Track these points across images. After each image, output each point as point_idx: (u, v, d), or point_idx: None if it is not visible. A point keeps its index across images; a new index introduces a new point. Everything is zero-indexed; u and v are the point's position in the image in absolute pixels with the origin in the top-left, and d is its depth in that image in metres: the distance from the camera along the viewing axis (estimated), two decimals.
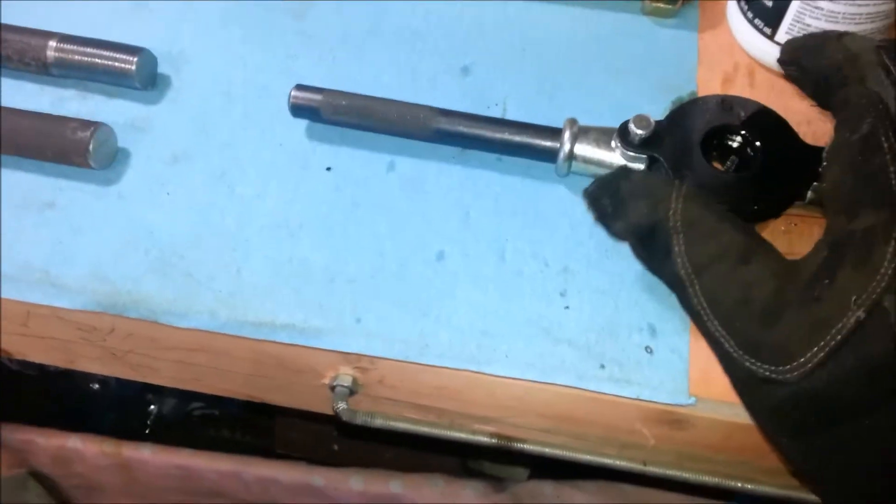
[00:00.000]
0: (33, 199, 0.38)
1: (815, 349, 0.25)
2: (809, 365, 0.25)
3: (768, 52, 0.41)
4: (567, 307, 0.35)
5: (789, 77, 0.35)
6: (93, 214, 0.38)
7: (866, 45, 0.29)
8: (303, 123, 0.40)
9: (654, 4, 0.43)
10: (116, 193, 0.38)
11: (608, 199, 0.33)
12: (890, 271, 0.25)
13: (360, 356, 0.35)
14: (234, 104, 0.41)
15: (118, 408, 0.69)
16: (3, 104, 0.40)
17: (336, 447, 0.68)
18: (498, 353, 0.34)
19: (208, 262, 0.36)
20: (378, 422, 0.37)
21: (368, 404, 0.38)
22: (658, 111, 0.40)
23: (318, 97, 0.39)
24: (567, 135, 0.36)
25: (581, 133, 0.37)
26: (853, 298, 0.25)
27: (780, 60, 0.35)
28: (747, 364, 0.27)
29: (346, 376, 0.36)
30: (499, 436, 0.37)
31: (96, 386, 0.67)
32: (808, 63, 0.32)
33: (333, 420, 0.37)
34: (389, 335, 0.34)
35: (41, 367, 0.51)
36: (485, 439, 0.37)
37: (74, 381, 0.66)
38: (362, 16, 0.45)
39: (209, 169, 0.39)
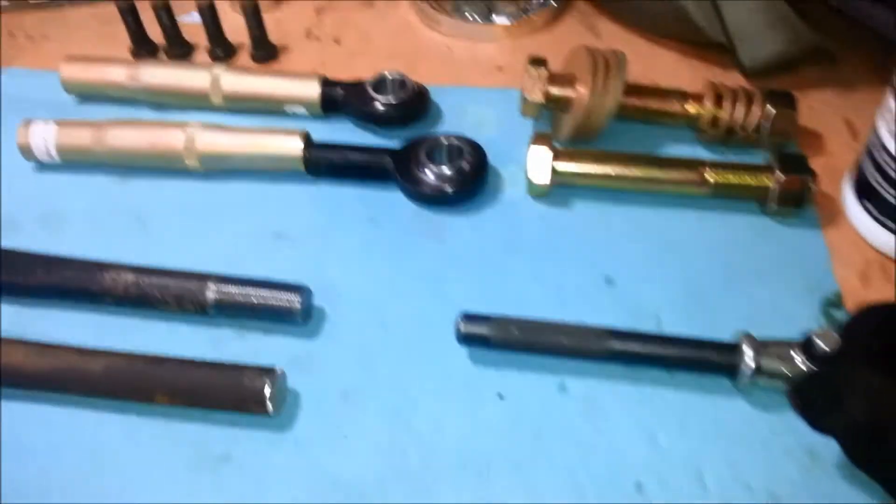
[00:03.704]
0: (207, 454, 0.37)
1: None
2: None
3: None
4: None
5: None
6: (273, 466, 0.37)
7: None
8: (465, 349, 0.41)
9: (778, 207, 0.45)
10: (293, 440, 0.37)
11: (818, 394, 0.33)
12: None
13: None
14: (393, 334, 0.41)
15: None
16: (164, 351, 0.40)
17: None
18: None
19: None
20: None
21: None
22: (806, 312, 0.42)
23: (487, 326, 0.39)
24: (751, 352, 0.37)
25: (760, 347, 0.37)
26: None
27: None
28: None
29: None
30: None
31: None
32: None
33: None
34: None
35: None
36: None
37: None
38: (496, 233, 0.46)
39: (381, 406, 0.39)
